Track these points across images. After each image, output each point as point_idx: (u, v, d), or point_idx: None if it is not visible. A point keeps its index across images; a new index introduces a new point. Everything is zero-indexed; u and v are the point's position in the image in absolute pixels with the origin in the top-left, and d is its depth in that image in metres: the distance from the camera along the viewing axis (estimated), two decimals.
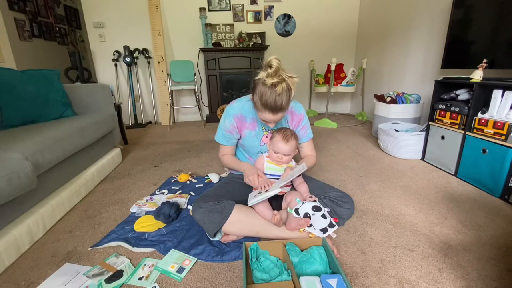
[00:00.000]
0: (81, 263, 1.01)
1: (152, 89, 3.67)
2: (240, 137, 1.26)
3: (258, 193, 1.04)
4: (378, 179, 1.72)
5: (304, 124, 1.29)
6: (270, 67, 0.99)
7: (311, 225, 1.01)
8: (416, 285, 0.88)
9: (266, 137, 1.24)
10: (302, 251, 0.97)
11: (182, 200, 1.45)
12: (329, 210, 1.08)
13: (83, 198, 1.54)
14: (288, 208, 1.05)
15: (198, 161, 2.11)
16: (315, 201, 1.08)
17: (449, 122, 1.77)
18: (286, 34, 3.73)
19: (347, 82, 3.44)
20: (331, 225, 1.02)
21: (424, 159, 2.02)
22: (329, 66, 3.29)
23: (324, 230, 1.00)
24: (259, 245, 0.98)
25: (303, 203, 1.05)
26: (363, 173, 1.82)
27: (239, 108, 1.21)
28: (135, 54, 3.46)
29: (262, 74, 1.01)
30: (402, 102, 2.38)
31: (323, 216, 1.03)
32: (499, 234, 1.14)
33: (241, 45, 3.37)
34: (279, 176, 1.17)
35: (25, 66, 3.34)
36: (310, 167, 1.25)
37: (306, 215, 1.01)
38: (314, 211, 1.03)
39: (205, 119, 3.65)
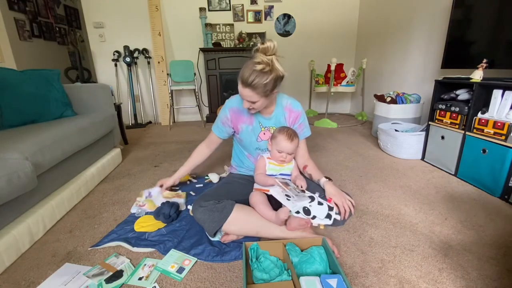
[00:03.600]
0: (81, 263, 1.01)
1: (152, 89, 3.67)
2: (237, 132, 1.27)
3: (285, 194, 1.03)
4: (378, 179, 1.72)
5: (302, 122, 1.28)
6: (263, 43, 1.03)
7: (314, 217, 1.01)
8: (416, 285, 0.88)
9: (264, 134, 1.24)
10: (302, 251, 0.97)
11: (181, 200, 1.44)
12: (319, 194, 1.07)
13: (83, 198, 1.54)
14: None
15: None
16: (303, 191, 1.09)
17: (449, 122, 1.77)
18: (286, 34, 3.73)
19: (347, 82, 3.43)
20: (330, 208, 1.02)
21: (424, 159, 2.02)
22: (329, 66, 3.29)
23: (328, 216, 1.01)
24: (259, 245, 0.98)
25: None
26: (363, 173, 1.82)
27: (236, 102, 1.23)
28: (135, 54, 3.46)
29: (257, 54, 1.06)
30: (402, 102, 2.38)
31: (320, 203, 1.03)
32: (499, 234, 1.14)
33: (241, 45, 3.37)
34: (281, 175, 1.18)
35: (25, 66, 3.34)
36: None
37: (305, 209, 1.01)
38: (310, 201, 1.03)
39: (205, 119, 3.65)
